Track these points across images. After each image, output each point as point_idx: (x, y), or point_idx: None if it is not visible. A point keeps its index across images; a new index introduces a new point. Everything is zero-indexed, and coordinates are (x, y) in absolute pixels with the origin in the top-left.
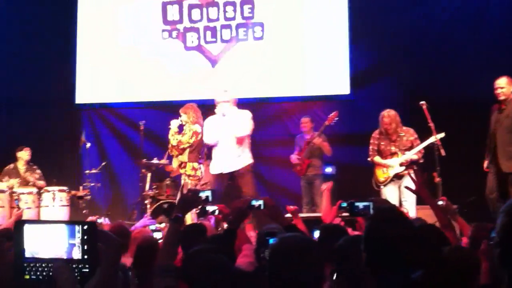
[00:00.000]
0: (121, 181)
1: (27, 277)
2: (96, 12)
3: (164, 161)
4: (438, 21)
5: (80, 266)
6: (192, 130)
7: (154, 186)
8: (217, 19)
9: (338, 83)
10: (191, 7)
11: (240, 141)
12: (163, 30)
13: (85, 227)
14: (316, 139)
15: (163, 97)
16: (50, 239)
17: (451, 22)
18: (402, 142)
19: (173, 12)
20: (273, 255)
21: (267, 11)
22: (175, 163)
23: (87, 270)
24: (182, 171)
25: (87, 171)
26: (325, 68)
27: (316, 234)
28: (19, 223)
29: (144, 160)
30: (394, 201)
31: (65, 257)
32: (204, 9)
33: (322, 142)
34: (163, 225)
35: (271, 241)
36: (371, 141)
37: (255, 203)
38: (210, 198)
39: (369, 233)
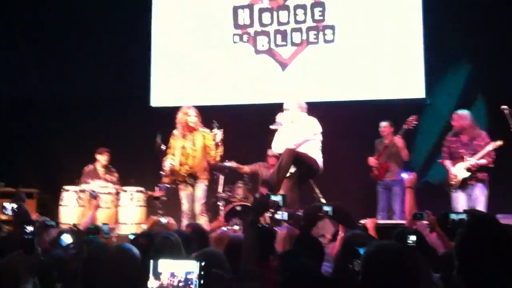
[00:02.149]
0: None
1: None
2: (169, 17)
3: (233, 163)
4: None
5: None
6: None
7: (227, 189)
8: (288, 23)
9: (413, 86)
10: (261, 11)
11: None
12: (234, 34)
13: (202, 264)
14: (397, 140)
15: (233, 101)
16: (170, 271)
17: None
18: (473, 146)
19: (244, 16)
20: (368, 263)
21: (338, 14)
22: None
23: None
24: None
25: (162, 173)
26: (398, 71)
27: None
28: (144, 258)
29: (216, 162)
30: (462, 208)
31: None
32: (275, 13)
33: (403, 145)
34: (236, 227)
35: (362, 251)
36: (444, 143)
37: (325, 208)
38: (281, 203)
39: (464, 240)
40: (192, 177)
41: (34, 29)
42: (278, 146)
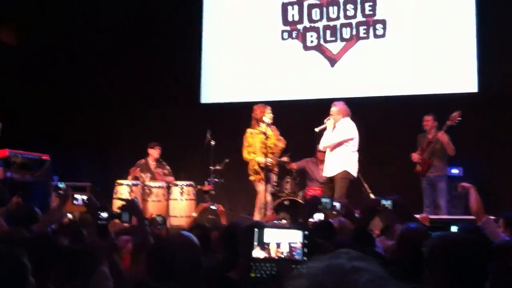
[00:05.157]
0: (243, 178)
1: (253, 275)
2: (219, 14)
3: (285, 159)
4: None
5: (299, 266)
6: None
7: (275, 183)
8: (337, 18)
9: (465, 80)
10: (311, 6)
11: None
12: (283, 31)
13: (306, 232)
14: (441, 136)
15: (282, 97)
16: (275, 241)
17: None
18: None
19: (293, 13)
20: (432, 250)
21: (389, 8)
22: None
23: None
24: None
25: (211, 167)
26: (450, 64)
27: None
28: (250, 227)
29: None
30: None
31: (288, 258)
32: (324, 8)
33: (447, 141)
34: (284, 221)
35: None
36: None
37: (385, 202)
38: (329, 205)
39: None
40: (270, 172)
41: (91, 27)
42: (322, 145)
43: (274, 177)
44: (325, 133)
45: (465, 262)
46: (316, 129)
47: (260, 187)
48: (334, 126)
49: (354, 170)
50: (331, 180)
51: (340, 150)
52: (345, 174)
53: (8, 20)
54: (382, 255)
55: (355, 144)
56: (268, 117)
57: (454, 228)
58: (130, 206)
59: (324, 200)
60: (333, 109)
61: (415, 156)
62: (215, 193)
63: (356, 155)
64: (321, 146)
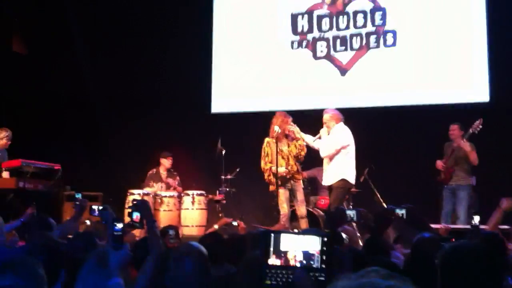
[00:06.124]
0: (254, 187)
1: (268, 282)
2: (229, 25)
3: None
4: None
5: (317, 274)
6: None
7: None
8: (347, 28)
9: (476, 90)
10: (320, 17)
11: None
12: (293, 41)
13: (325, 239)
14: (463, 143)
15: (293, 106)
16: (292, 248)
17: None
18: None
19: (302, 23)
20: (444, 261)
21: (399, 18)
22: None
23: (323, 278)
24: None
25: (222, 177)
26: (461, 74)
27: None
28: (266, 233)
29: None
30: None
31: (304, 265)
32: (334, 18)
33: (470, 149)
34: (295, 230)
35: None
36: None
37: (399, 211)
38: (354, 218)
39: None
40: (292, 180)
41: (101, 36)
42: (322, 154)
43: (299, 187)
44: (321, 141)
45: (478, 273)
46: (316, 143)
47: (281, 197)
48: (329, 133)
49: (352, 178)
50: (330, 188)
51: (337, 158)
52: (342, 183)
53: (20, 29)
54: (396, 265)
55: (351, 150)
56: (287, 127)
57: (477, 218)
58: (141, 206)
59: (349, 212)
60: (325, 116)
61: (439, 164)
62: (226, 202)
63: (353, 162)
64: (321, 155)
